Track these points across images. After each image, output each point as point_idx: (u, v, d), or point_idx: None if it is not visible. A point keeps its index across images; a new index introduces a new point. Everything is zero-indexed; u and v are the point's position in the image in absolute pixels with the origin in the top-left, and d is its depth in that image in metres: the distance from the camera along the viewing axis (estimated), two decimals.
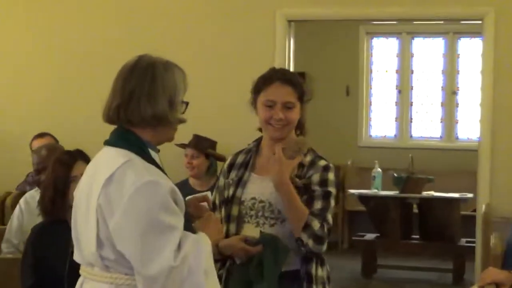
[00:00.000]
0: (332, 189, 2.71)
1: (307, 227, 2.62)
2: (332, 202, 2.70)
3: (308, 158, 2.75)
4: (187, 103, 2.16)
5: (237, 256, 2.68)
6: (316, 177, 2.70)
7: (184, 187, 4.54)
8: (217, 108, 5.35)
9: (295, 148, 2.74)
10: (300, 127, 2.85)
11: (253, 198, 2.73)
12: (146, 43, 5.30)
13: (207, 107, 5.35)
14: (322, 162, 2.74)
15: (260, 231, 2.68)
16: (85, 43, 5.66)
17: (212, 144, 5.04)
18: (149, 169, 2.04)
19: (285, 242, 2.65)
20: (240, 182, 2.77)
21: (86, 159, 3.14)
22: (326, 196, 2.69)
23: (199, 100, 5.38)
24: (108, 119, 2.13)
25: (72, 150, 3.29)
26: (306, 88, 2.82)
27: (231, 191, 2.76)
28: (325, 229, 2.64)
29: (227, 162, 2.88)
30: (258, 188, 2.73)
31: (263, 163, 2.77)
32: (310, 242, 2.61)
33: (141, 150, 2.08)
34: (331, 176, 2.72)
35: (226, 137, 5.08)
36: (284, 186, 2.64)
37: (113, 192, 2.00)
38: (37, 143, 5.06)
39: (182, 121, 2.16)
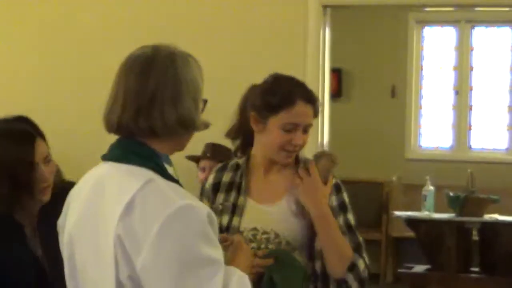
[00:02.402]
0: (352, 217, 2.79)
1: (354, 268, 2.70)
2: (358, 236, 2.78)
3: None
4: (205, 101, 2.10)
5: None
6: (333, 201, 2.77)
7: None
8: (233, 111, 5.35)
9: (327, 166, 2.75)
10: None
11: (254, 229, 2.75)
12: (153, 32, 5.33)
13: (221, 110, 5.35)
14: (332, 180, 2.80)
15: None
16: (79, 35, 5.71)
17: (230, 153, 5.06)
18: (177, 190, 1.95)
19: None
20: (235, 209, 2.78)
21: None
22: (351, 229, 2.77)
23: (212, 102, 5.39)
24: (119, 128, 2.01)
25: (16, 118, 2.85)
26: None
27: (225, 220, 2.77)
28: (367, 271, 2.74)
29: (210, 181, 2.88)
30: (259, 216, 2.75)
31: (260, 187, 2.79)
32: (355, 285, 2.70)
33: (158, 166, 1.99)
34: (346, 197, 2.81)
35: None
36: (325, 219, 2.68)
37: (136, 223, 1.89)
38: None
39: (207, 125, 2.09)
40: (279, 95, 2.73)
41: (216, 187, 2.85)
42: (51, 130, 5.31)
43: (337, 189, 2.79)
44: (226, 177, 2.85)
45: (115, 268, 1.91)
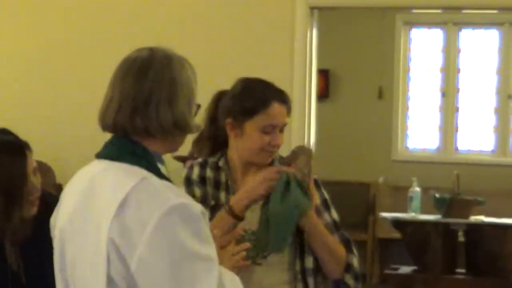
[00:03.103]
0: (335, 213, 2.87)
1: (350, 267, 2.80)
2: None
3: None
4: (198, 106, 2.14)
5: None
6: (316, 198, 2.81)
7: None
8: None
9: (305, 161, 2.79)
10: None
11: (242, 229, 2.76)
12: (145, 34, 5.36)
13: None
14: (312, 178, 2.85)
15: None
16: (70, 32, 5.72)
17: None
18: (171, 188, 1.98)
19: (281, 275, 2.75)
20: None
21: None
22: (338, 225, 2.85)
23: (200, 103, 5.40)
24: (115, 127, 2.05)
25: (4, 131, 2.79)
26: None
27: None
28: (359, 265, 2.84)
29: (196, 173, 2.91)
30: (247, 217, 2.77)
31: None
32: (352, 283, 2.80)
33: (151, 164, 2.02)
34: (326, 193, 2.89)
35: None
36: (317, 229, 2.75)
37: (130, 221, 1.91)
38: None
39: (200, 127, 2.15)
40: (254, 98, 2.77)
41: (203, 180, 2.88)
42: (44, 131, 5.31)
43: (316, 185, 2.84)
44: (209, 174, 2.88)
45: (107, 267, 1.92)
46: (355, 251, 2.84)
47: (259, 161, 2.81)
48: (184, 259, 1.89)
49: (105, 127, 2.07)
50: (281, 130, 2.79)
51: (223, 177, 2.85)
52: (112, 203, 1.94)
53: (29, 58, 5.80)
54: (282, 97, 2.79)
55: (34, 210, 2.73)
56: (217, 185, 2.86)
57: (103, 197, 1.98)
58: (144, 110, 2.02)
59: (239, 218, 2.70)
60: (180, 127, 2.06)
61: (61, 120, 5.64)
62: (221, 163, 2.87)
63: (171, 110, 2.03)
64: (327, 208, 2.85)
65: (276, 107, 2.76)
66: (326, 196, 2.87)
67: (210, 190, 2.85)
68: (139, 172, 1.99)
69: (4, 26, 5.85)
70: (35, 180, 2.74)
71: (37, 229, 2.63)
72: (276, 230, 2.66)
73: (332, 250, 2.78)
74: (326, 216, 2.82)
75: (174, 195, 1.95)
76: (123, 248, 1.91)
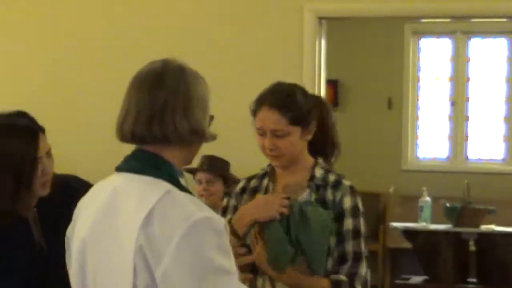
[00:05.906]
0: (362, 225, 2.85)
1: None
2: (363, 245, 2.85)
3: (332, 177, 2.84)
4: (212, 117, 2.17)
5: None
6: (347, 202, 2.81)
7: None
8: (230, 122, 5.36)
9: (303, 181, 2.84)
10: (323, 149, 2.99)
11: None
12: (153, 45, 5.37)
13: (218, 121, 5.37)
14: (347, 182, 2.85)
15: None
16: (79, 44, 5.74)
17: (227, 165, 5.08)
18: (194, 201, 2.01)
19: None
20: None
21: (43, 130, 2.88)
22: (357, 235, 2.83)
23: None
24: (133, 137, 2.08)
25: (16, 113, 2.88)
26: (303, 106, 2.82)
27: None
28: (367, 277, 2.82)
29: (240, 185, 2.97)
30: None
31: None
32: None
33: (173, 177, 2.05)
34: (359, 202, 2.86)
35: (240, 157, 5.10)
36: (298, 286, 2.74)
37: (157, 233, 1.95)
38: None
39: (215, 137, 2.16)
40: (256, 99, 2.84)
41: (243, 190, 2.94)
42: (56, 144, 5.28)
43: (352, 191, 2.83)
44: (253, 184, 2.94)
45: (133, 278, 1.96)
46: (363, 265, 2.81)
47: (271, 163, 2.86)
48: (207, 272, 1.92)
49: (123, 138, 2.10)
50: (278, 136, 2.77)
51: (265, 182, 2.90)
52: (138, 216, 1.97)
53: (38, 70, 5.81)
54: (273, 102, 2.78)
55: (46, 191, 2.81)
56: (254, 192, 2.89)
57: (128, 210, 2.01)
58: (160, 118, 2.04)
59: (238, 236, 2.68)
60: (197, 134, 2.09)
61: (74, 133, 5.65)
62: (268, 169, 2.92)
63: (186, 119, 2.06)
64: (354, 215, 2.81)
65: (264, 111, 2.79)
66: (360, 205, 2.83)
67: (247, 198, 2.87)
68: (163, 185, 2.02)
69: (13, 38, 5.87)
70: (48, 163, 2.82)
71: (59, 209, 2.70)
72: (317, 257, 2.70)
73: None
74: (347, 222, 2.80)
75: (198, 209, 1.98)
76: (150, 257, 1.94)
